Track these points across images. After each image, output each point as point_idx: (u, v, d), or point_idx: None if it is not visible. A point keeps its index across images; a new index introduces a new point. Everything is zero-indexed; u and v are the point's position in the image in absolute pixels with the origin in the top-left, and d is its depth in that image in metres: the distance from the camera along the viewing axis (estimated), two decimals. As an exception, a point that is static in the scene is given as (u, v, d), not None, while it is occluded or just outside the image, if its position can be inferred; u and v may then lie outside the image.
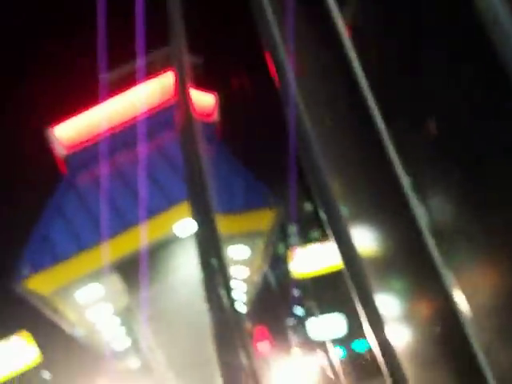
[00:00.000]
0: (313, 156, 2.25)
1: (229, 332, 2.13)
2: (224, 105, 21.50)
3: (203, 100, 20.55)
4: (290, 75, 2.21)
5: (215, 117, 21.06)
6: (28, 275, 18.45)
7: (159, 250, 19.53)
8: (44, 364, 56.52)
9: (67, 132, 21.08)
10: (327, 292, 28.63)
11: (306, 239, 29.67)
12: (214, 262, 2.28)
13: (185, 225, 18.71)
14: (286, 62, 2.18)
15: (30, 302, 20.82)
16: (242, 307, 20.60)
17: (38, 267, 18.43)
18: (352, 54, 2.10)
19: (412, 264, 2.09)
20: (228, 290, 2.24)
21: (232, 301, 2.20)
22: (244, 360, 2.04)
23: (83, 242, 18.42)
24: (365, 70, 2.09)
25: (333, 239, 2.33)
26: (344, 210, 2.44)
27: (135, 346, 36.15)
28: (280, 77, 2.25)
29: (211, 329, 2.40)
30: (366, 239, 2.38)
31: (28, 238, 19.38)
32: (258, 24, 2.24)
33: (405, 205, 2.03)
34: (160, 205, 18.92)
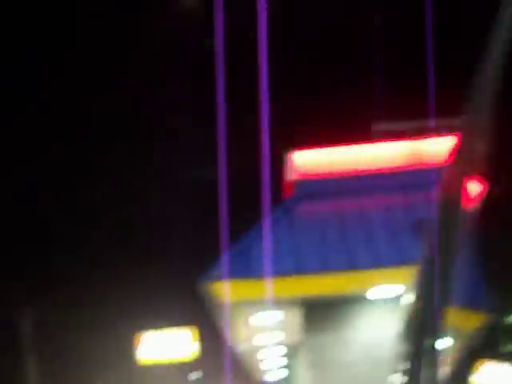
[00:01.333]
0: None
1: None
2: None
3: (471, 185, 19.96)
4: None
5: (476, 206, 20.25)
6: (216, 279, 18.67)
7: (345, 301, 19.29)
8: (197, 364, 57.82)
9: (306, 160, 21.25)
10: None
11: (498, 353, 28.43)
12: (426, 341, 1.99)
13: (382, 289, 18.39)
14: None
15: (206, 303, 21.11)
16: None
17: (229, 275, 18.60)
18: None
19: None
20: (433, 371, 1.93)
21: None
22: None
23: (280, 268, 18.44)
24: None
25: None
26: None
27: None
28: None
29: None
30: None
31: (231, 244, 19.62)
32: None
33: None
34: (366, 261, 18.68)
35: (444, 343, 20.69)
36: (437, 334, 2.60)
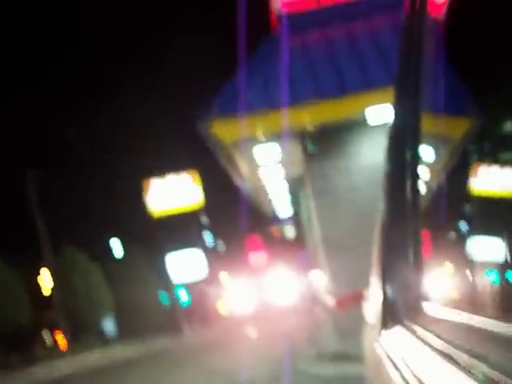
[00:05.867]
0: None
1: (401, 222, 2.02)
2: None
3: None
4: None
5: (443, 13, 20.17)
6: (214, 118, 18.73)
7: (343, 129, 19.44)
8: (204, 208, 58.58)
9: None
10: (496, 215, 28.15)
11: (494, 158, 28.93)
12: (407, 154, 2.13)
13: (377, 112, 18.47)
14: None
15: (206, 145, 21.27)
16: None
17: (225, 113, 18.67)
18: None
19: None
20: (414, 181, 2.10)
21: (416, 191, 2.07)
22: (408, 253, 1.93)
23: (274, 101, 18.49)
24: None
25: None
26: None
27: (295, 217, 36.82)
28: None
29: (383, 216, 2.28)
30: None
31: (222, 84, 19.65)
32: None
33: None
34: (357, 84, 18.70)
35: (428, 153, 21.03)
36: (417, 145, 2.65)
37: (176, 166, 50.56)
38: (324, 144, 19.53)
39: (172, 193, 51.89)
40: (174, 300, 55.28)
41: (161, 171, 51.55)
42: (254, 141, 19.71)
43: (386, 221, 2.43)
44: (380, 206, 2.71)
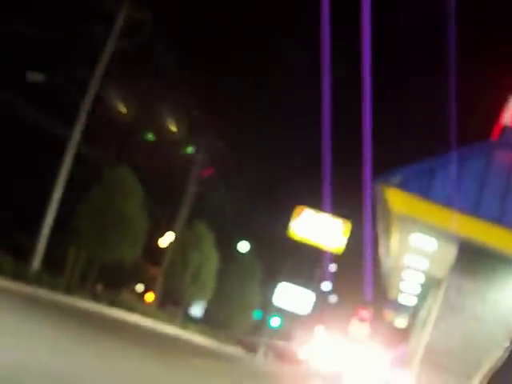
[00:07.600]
0: None
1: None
2: None
3: None
4: None
5: None
6: (392, 186, 18.61)
7: (500, 263, 18.83)
8: (338, 258, 58.45)
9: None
10: None
11: None
12: None
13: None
14: None
15: (374, 205, 21.23)
16: None
17: (406, 187, 18.56)
18: None
19: None
20: None
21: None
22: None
23: (456, 202, 18.21)
24: None
25: None
26: None
27: (412, 311, 36.23)
28: None
29: (498, 362, 2.19)
30: None
31: (414, 158, 19.59)
32: None
33: None
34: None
35: None
36: None
37: (334, 208, 50.77)
38: (474, 264, 19.05)
39: (318, 229, 51.99)
40: (265, 322, 55.47)
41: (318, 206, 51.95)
42: (418, 226, 19.49)
43: (499, 366, 2.40)
44: (500, 350, 2.66)
